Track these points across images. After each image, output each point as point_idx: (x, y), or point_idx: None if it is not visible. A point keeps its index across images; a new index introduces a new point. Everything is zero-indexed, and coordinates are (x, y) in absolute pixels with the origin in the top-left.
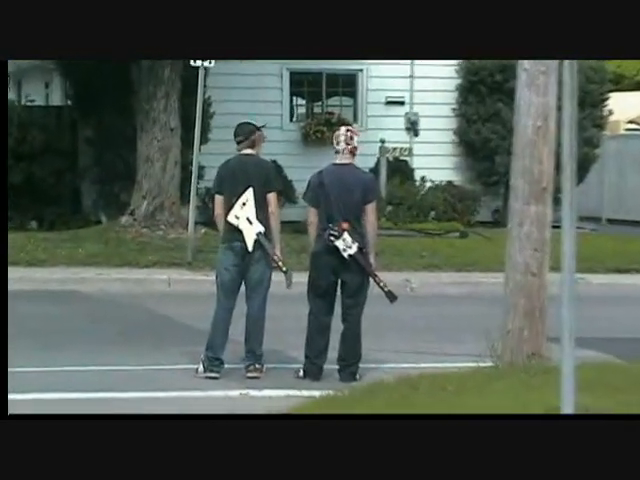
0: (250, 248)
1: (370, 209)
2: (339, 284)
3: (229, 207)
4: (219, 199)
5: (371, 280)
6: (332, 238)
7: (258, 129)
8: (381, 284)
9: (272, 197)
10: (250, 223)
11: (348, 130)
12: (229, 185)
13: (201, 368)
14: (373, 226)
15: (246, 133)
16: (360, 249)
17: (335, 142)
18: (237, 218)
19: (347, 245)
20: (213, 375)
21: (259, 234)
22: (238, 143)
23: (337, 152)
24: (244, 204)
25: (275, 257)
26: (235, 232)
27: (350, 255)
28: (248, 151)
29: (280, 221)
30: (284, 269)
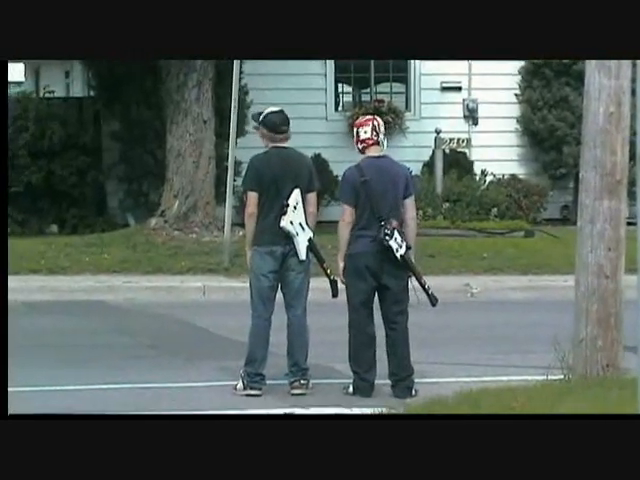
0: (303, 256)
1: (411, 204)
2: (377, 290)
3: (273, 209)
4: (253, 196)
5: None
6: (387, 237)
7: None
8: (426, 286)
9: (313, 197)
10: (303, 229)
11: (375, 119)
12: (273, 183)
13: (240, 385)
14: (414, 222)
15: (289, 124)
16: (409, 248)
17: (376, 132)
18: (292, 224)
19: (399, 244)
20: (254, 392)
21: (310, 240)
22: (281, 133)
23: (378, 143)
24: (295, 207)
25: (325, 264)
26: (277, 236)
27: (402, 256)
28: (285, 144)
29: (318, 221)
30: (332, 277)
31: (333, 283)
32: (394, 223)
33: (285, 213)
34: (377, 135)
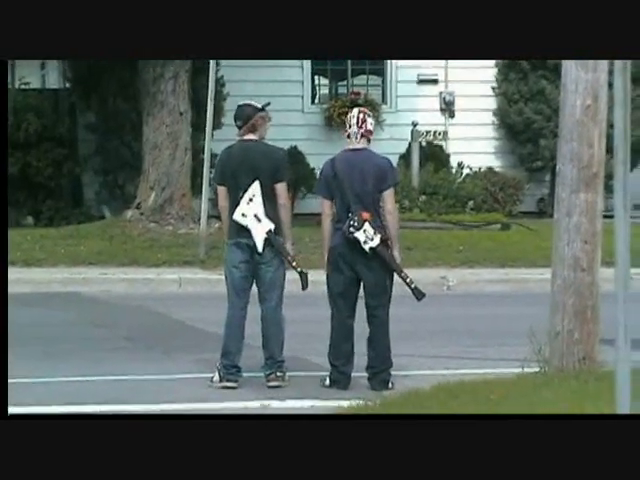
0: (260, 248)
1: (387, 197)
2: (361, 283)
3: (234, 202)
4: (222, 190)
5: (396, 277)
6: (352, 230)
7: (260, 110)
8: (407, 280)
9: (282, 188)
10: (259, 221)
11: (360, 111)
12: (232, 177)
13: (217, 377)
14: (392, 216)
15: (245, 117)
16: (383, 241)
17: (347, 125)
18: (244, 216)
19: (369, 237)
20: (230, 385)
21: (269, 232)
22: (238, 128)
23: (349, 136)
24: (251, 200)
25: (289, 257)
26: (242, 229)
27: (372, 248)
28: (250, 136)
29: (295, 213)
30: (299, 269)
31: (302, 275)
32: (365, 215)
33: (238, 205)
34: (349, 127)
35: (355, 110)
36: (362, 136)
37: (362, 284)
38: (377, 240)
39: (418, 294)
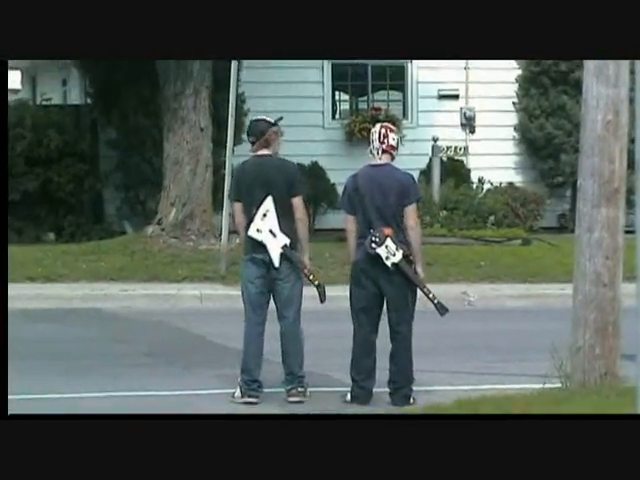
0: (276, 263)
1: (409, 212)
2: (384, 298)
3: (249, 218)
4: (238, 206)
5: (419, 292)
6: (374, 245)
7: (273, 124)
8: (430, 295)
9: (298, 202)
10: (274, 236)
11: (382, 127)
12: (246, 193)
13: (238, 392)
14: (415, 231)
15: (258, 132)
16: (406, 257)
17: (370, 141)
18: (259, 232)
19: (390, 252)
20: (251, 400)
21: (285, 247)
22: (252, 144)
23: (371, 152)
24: (265, 215)
25: (306, 270)
26: (257, 245)
27: (394, 264)
28: (264, 152)
29: (315, 229)
30: (316, 283)
31: (319, 289)
32: (386, 231)
33: (252, 221)
34: (371, 143)
35: (377, 126)
36: (384, 152)
37: (385, 299)
38: (399, 256)
39: (441, 309)
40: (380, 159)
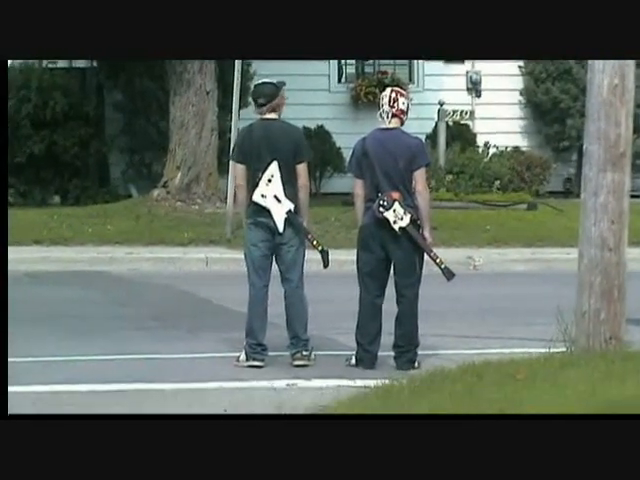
0: (281, 229)
1: (418, 177)
2: (391, 262)
3: (254, 182)
4: (240, 168)
5: (426, 257)
6: (381, 209)
7: (280, 88)
8: (437, 260)
9: (302, 168)
10: (279, 201)
11: (393, 91)
12: (252, 157)
13: (243, 356)
14: (423, 196)
15: (269, 95)
16: (414, 221)
17: (379, 105)
18: (264, 197)
19: (398, 217)
20: (256, 363)
21: (289, 212)
22: (259, 106)
23: (381, 116)
24: (269, 180)
25: (309, 235)
26: (261, 210)
27: (402, 228)
28: (272, 115)
29: (321, 193)
30: (319, 248)
31: (323, 253)
32: (394, 195)
33: (257, 186)
34: (381, 107)
35: (388, 89)
36: (393, 116)
37: (392, 263)
38: (407, 220)
39: (448, 274)
40: (389, 123)
